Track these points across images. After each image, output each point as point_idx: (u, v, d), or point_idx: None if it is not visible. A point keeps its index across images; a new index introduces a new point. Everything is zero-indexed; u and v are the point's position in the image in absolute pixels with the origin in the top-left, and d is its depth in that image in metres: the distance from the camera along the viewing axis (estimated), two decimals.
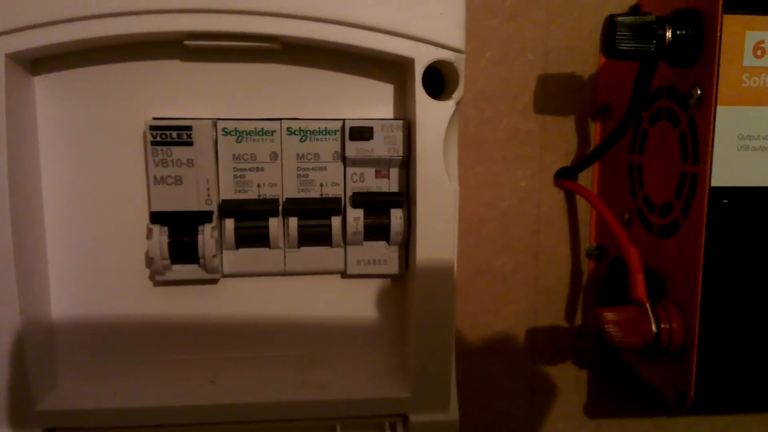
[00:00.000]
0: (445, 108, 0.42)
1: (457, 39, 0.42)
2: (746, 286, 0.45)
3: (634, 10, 0.53)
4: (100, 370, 0.46)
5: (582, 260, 0.59)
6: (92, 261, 0.45)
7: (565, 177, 0.57)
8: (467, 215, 0.56)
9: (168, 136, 0.42)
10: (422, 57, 0.42)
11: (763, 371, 0.46)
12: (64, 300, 0.45)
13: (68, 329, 0.45)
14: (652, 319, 0.46)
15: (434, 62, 0.42)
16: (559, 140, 0.57)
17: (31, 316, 0.42)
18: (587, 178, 0.57)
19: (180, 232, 0.44)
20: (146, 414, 0.44)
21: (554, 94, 0.56)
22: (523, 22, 0.55)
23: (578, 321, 0.59)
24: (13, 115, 0.40)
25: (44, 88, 0.43)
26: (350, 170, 0.45)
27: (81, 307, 0.45)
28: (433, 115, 0.42)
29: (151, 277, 0.45)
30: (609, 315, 0.47)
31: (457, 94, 0.43)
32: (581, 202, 0.58)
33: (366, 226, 0.45)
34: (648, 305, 0.47)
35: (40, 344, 0.44)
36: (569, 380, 0.61)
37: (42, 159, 0.43)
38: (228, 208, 0.44)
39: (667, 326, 0.46)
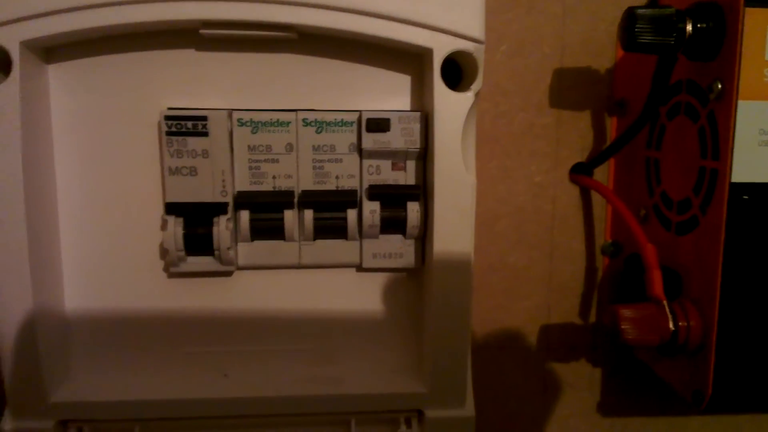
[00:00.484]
0: (464, 100, 0.42)
1: (477, 29, 0.41)
2: (766, 283, 0.44)
3: (653, 2, 0.53)
4: (113, 362, 0.46)
5: (597, 257, 0.58)
6: (106, 252, 0.45)
7: (580, 172, 0.56)
8: (481, 210, 0.56)
9: (183, 126, 0.42)
10: (441, 47, 0.41)
11: None
12: (78, 291, 0.45)
13: (82, 321, 0.45)
14: (670, 316, 0.46)
15: (453, 53, 0.42)
16: (575, 135, 0.56)
17: (44, 308, 0.42)
18: (603, 174, 0.57)
19: (195, 223, 0.43)
20: (159, 406, 0.44)
21: (570, 88, 0.56)
22: (539, 15, 0.54)
23: (592, 318, 0.59)
24: (28, 104, 0.40)
25: (58, 76, 0.43)
26: (366, 162, 0.45)
27: (94, 299, 0.45)
28: (452, 107, 0.42)
29: (165, 269, 0.45)
30: (626, 312, 0.46)
31: (476, 86, 0.42)
32: (596, 198, 0.57)
33: (382, 219, 0.45)
34: (665, 302, 0.46)
35: (54, 336, 0.44)
36: (582, 378, 0.60)
37: (56, 148, 0.43)
38: (243, 200, 0.44)
39: (685, 324, 0.45)
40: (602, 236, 0.58)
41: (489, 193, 0.56)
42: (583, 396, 0.61)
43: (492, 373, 0.59)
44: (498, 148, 0.56)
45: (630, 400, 0.61)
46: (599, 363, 0.60)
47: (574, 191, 0.57)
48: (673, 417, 0.62)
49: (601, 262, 0.58)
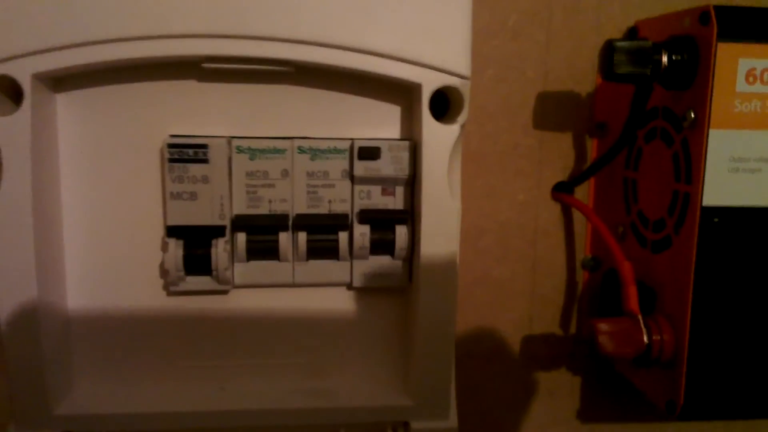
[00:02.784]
0: (451, 131, 0.44)
1: (463, 66, 0.43)
2: (735, 300, 0.46)
3: (632, 33, 0.55)
4: (114, 375, 0.47)
5: (577, 271, 0.60)
6: (109, 271, 0.46)
7: (562, 191, 0.58)
8: (467, 226, 0.57)
9: (185, 153, 0.44)
10: (429, 83, 0.43)
11: (750, 381, 0.47)
12: (81, 306, 0.47)
13: (84, 335, 0.47)
14: (644, 330, 0.48)
15: (440, 87, 0.43)
16: (557, 155, 0.58)
17: (48, 323, 0.44)
18: (583, 192, 0.59)
19: (194, 245, 0.45)
20: (159, 419, 0.46)
21: (553, 111, 0.57)
22: (524, 41, 0.56)
23: (573, 329, 0.61)
24: (37, 131, 0.42)
25: (66, 105, 0.44)
26: (358, 188, 0.46)
27: (97, 314, 0.47)
28: (439, 138, 0.44)
29: (165, 288, 0.47)
30: (603, 326, 0.48)
31: (462, 118, 0.44)
32: (577, 215, 0.59)
33: (372, 242, 0.47)
34: (640, 317, 0.48)
35: (57, 350, 0.45)
36: (563, 386, 0.62)
37: (62, 173, 0.45)
38: (240, 223, 0.46)
39: (658, 338, 0.47)
40: (582, 251, 0.60)
41: (474, 210, 0.58)
42: (564, 404, 0.62)
43: (477, 382, 0.60)
44: (483, 167, 0.58)
45: (609, 407, 0.63)
46: (579, 372, 0.62)
47: (555, 208, 0.59)
48: (650, 423, 0.64)
49: (582, 275, 0.60)
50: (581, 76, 0.57)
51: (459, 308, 0.57)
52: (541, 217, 0.59)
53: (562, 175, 0.59)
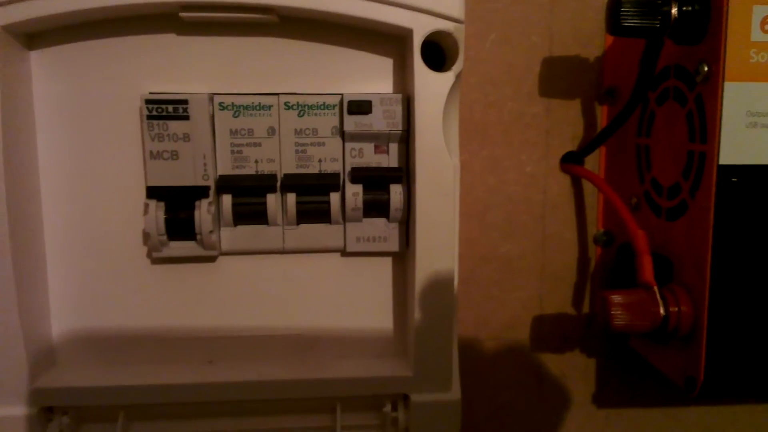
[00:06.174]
0: (444, 80, 0.42)
1: (456, 8, 0.41)
2: (757, 267, 0.44)
3: None
4: (97, 348, 0.46)
5: (589, 246, 0.58)
6: (90, 238, 0.45)
7: (571, 161, 0.56)
8: (472, 201, 0.56)
9: (164, 110, 0.42)
10: (421, 27, 0.41)
11: None
12: (62, 278, 0.45)
13: (66, 307, 0.45)
14: (660, 302, 0.45)
15: (433, 33, 0.42)
16: (565, 124, 0.56)
17: (28, 295, 0.42)
18: (594, 163, 0.57)
19: (176, 207, 0.43)
20: (143, 392, 0.44)
21: (560, 77, 0.55)
22: (527, 4, 0.54)
23: (586, 309, 0.59)
24: (9, 89, 0.40)
25: (40, 62, 0.43)
26: (349, 145, 0.45)
27: (79, 285, 0.45)
28: (432, 88, 0.42)
29: (149, 255, 0.45)
30: (616, 298, 0.46)
31: (457, 66, 0.42)
32: (588, 187, 0.57)
33: (365, 202, 0.45)
34: (656, 288, 0.46)
35: (38, 322, 0.44)
36: (577, 369, 0.60)
37: (39, 133, 0.43)
38: (225, 184, 0.44)
39: (676, 309, 0.45)
40: (594, 225, 0.58)
41: (480, 184, 0.56)
42: (578, 387, 0.60)
43: (485, 365, 0.58)
44: (488, 139, 0.56)
45: (625, 390, 0.61)
46: (593, 353, 0.60)
47: (565, 180, 0.57)
48: (669, 408, 0.61)
49: (594, 251, 0.58)
50: (588, 39, 0.55)
51: (465, 288, 0.56)
52: (550, 189, 0.57)
53: (571, 145, 0.56)
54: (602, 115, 0.56)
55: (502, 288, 0.58)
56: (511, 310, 0.58)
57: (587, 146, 0.55)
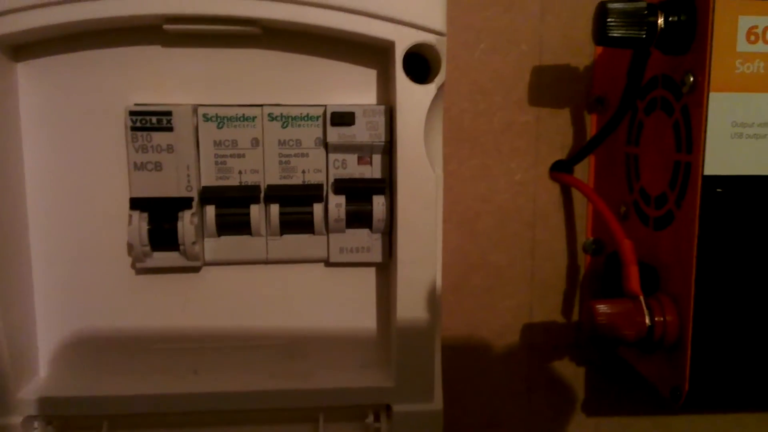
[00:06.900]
0: (426, 92, 0.42)
1: (438, 21, 0.41)
2: (742, 277, 0.44)
3: None
4: (80, 358, 0.46)
5: (579, 255, 0.58)
6: (74, 249, 0.45)
7: (560, 170, 0.56)
8: (461, 209, 0.56)
9: (148, 121, 0.42)
10: (403, 40, 0.41)
11: (760, 366, 0.45)
12: (46, 288, 0.45)
13: (50, 317, 0.46)
14: (646, 311, 0.45)
15: (415, 45, 0.42)
16: (555, 133, 0.56)
17: (12, 305, 0.43)
18: (583, 171, 0.57)
19: (160, 218, 0.43)
20: (127, 402, 0.44)
21: (549, 85, 0.55)
22: (517, 13, 0.54)
23: (575, 317, 0.58)
24: None
25: (26, 74, 0.43)
26: (332, 156, 0.45)
27: (63, 296, 0.45)
28: (414, 100, 0.42)
29: (133, 266, 0.45)
30: (601, 307, 0.46)
31: (440, 79, 0.42)
32: (577, 196, 0.57)
33: (348, 213, 0.45)
34: (642, 298, 0.46)
35: (22, 332, 0.44)
36: (567, 377, 0.60)
37: (24, 145, 0.44)
38: (209, 195, 0.44)
39: (661, 319, 0.45)
40: (584, 234, 0.58)
41: (469, 192, 0.56)
42: (568, 396, 0.60)
43: (474, 374, 0.58)
44: (477, 147, 0.56)
45: (615, 399, 0.60)
46: (583, 362, 0.59)
47: (554, 189, 0.57)
48: (659, 416, 0.61)
49: (583, 259, 0.58)
50: (578, 48, 0.55)
51: (454, 296, 0.56)
52: (539, 198, 0.57)
53: (560, 154, 0.56)
54: (592, 124, 0.56)
55: (491, 296, 0.58)
56: (500, 318, 0.58)
57: (576, 155, 0.55)
